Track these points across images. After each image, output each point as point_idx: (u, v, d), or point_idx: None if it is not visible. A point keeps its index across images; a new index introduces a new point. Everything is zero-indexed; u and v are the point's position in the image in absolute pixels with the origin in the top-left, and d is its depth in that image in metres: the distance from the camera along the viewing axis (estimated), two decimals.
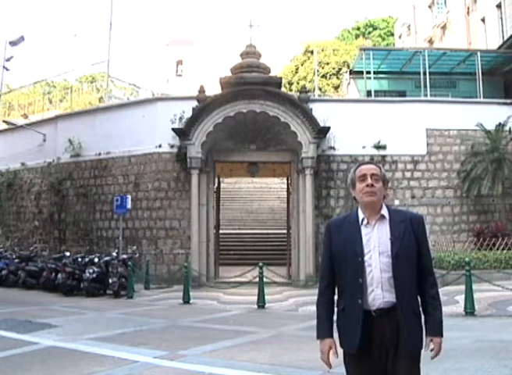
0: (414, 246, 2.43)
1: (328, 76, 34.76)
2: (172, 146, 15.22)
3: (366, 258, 2.41)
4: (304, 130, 14.27)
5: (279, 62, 37.28)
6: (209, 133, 14.30)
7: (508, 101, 16.55)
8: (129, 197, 14.32)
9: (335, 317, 2.55)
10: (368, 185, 2.45)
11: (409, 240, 2.42)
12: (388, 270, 2.37)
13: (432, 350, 2.44)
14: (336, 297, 2.57)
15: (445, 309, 9.58)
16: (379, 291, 2.38)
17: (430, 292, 2.47)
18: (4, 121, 22.09)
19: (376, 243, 2.42)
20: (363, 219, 2.49)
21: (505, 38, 20.91)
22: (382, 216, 2.48)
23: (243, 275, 12.39)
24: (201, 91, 15.04)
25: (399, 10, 37.01)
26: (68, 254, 14.04)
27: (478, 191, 14.54)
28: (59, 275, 12.49)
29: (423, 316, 2.47)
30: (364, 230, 2.47)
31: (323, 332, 2.51)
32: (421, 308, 2.45)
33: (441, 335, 2.45)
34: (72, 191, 17.01)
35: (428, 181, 15.49)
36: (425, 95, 18.39)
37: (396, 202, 15.25)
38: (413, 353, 2.39)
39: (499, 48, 20.86)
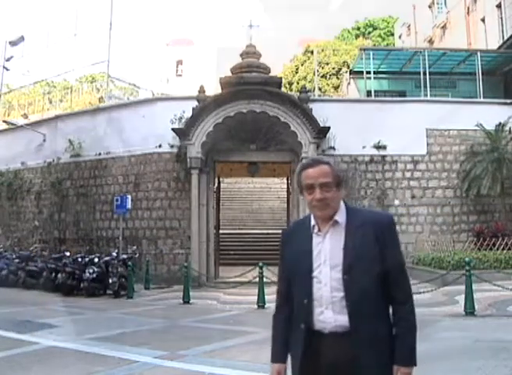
0: (376, 256, 1.95)
1: (328, 76, 34.78)
2: (172, 146, 15.21)
3: (315, 273, 1.99)
4: (304, 130, 14.27)
5: (279, 62, 37.29)
6: (209, 133, 14.29)
7: (508, 101, 16.56)
8: (129, 197, 14.32)
9: None
10: (317, 199, 1.99)
11: (368, 249, 1.96)
12: (340, 288, 1.95)
13: None
14: None
15: (445, 309, 9.59)
16: (330, 314, 1.96)
17: (400, 311, 2.00)
18: (4, 121, 22.10)
19: (327, 255, 1.99)
20: (313, 227, 2.05)
21: (505, 38, 20.93)
22: (336, 222, 2.02)
23: (243, 275, 12.37)
24: (201, 91, 15.04)
25: (399, 10, 37.02)
26: (68, 254, 14.02)
27: (478, 191, 14.55)
28: (59, 275, 12.48)
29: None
30: (315, 240, 2.04)
31: (273, 355, 2.14)
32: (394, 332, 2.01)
33: (409, 364, 1.96)
34: (72, 191, 17.01)
35: (428, 181, 15.49)
36: (425, 95, 18.40)
37: (396, 202, 15.27)
38: None
39: (499, 48, 20.88)
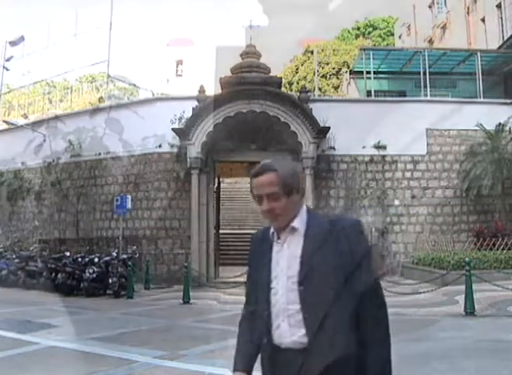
0: (338, 265, 1.75)
1: (328, 76, 34.79)
2: (172, 146, 15.22)
3: (273, 284, 1.84)
4: (304, 131, 14.27)
5: (279, 62, 37.29)
6: (209, 133, 14.29)
7: (508, 101, 16.55)
8: (129, 197, 14.32)
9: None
10: (264, 211, 1.85)
11: (329, 257, 1.76)
12: (296, 301, 1.78)
13: None
14: None
15: (445, 309, 9.58)
16: (286, 327, 1.79)
17: (370, 321, 1.77)
18: (4, 121, 22.11)
19: (284, 264, 1.83)
20: (273, 234, 1.89)
21: (505, 38, 20.94)
22: (293, 229, 1.84)
23: (243, 275, 12.38)
24: (201, 91, 15.04)
25: (399, 10, 37.03)
26: (68, 254, 14.01)
27: (478, 191, 14.55)
28: (59, 275, 12.48)
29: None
30: (275, 248, 1.88)
31: (234, 363, 1.98)
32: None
33: None
34: (72, 191, 17.01)
35: (428, 181, 15.50)
36: (425, 95, 18.38)
37: (396, 202, 15.27)
38: None
39: (499, 48, 20.88)
